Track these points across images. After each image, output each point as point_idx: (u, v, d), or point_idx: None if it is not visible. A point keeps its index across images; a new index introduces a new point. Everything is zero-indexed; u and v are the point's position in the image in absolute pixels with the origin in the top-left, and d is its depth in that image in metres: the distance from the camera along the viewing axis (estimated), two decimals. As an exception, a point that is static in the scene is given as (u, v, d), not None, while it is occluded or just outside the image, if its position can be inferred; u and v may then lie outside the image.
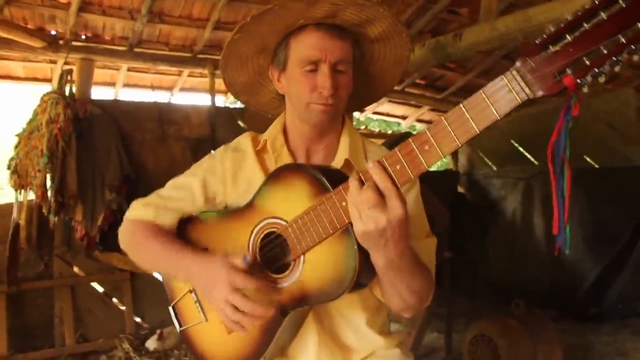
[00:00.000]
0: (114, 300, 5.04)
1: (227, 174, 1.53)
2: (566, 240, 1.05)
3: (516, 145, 6.95)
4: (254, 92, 1.64)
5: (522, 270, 6.17)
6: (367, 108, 7.38)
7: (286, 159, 1.50)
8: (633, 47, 0.85)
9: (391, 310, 1.41)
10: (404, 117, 8.04)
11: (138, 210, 1.56)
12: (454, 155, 7.71)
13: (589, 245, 5.79)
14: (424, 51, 4.25)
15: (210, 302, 1.34)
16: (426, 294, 1.33)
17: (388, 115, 8.03)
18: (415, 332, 3.81)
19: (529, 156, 6.82)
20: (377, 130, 10.79)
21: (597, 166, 6.28)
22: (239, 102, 1.71)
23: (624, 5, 0.84)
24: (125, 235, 1.58)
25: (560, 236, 1.05)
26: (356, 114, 7.58)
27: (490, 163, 7.33)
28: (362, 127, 8.64)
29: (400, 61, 1.54)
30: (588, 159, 6.33)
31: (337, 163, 1.46)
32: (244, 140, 1.59)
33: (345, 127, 1.52)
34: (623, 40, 0.85)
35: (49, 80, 5.50)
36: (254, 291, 1.30)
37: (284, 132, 1.54)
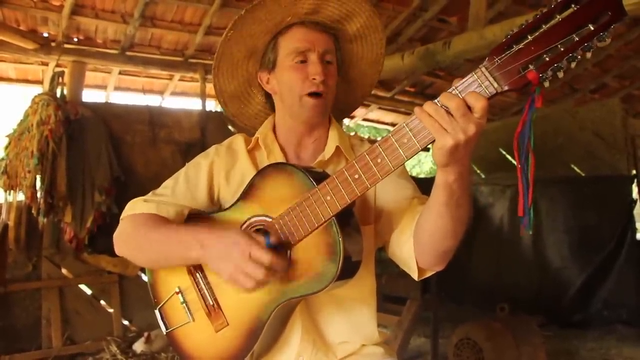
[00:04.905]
0: (102, 302, 5.03)
1: (221, 172, 1.57)
2: (529, 221, 1.13)
3: (504, 152, 7.02)
4: (243, 102, 1.71)
5: (509, 276, 6.22)
6: (357, 114, 7.45)
7: (277, 154, 1.55)
8: (586, 45, 0.96)
9: (422, 263, 1.35)
10: (393, 124, 8.09)
11: (138, 207, 1.51)
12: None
13: (574, 252, 5.87)
14: (413, 59, 4.31)
15: (220, 272, 1.28)
16: (466, 227, 1.25)
17: (378, 122, 8.09)
18: (402, 335, 3.83)
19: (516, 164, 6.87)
20: (367, 136, 10.86)
21: (583, 174, 6.37)
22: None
23: (576, 9, 0.96)
24: (123, 232, 1.51)
25: (525, 218, 1.13)
26: (346, 121, 7.64)
27: (478, 170, 7.39)
28: (352, 133, 8.68)
29: (376, 62, 1.65)
30: (574, 167, 6.41)
31: (329, 151, 1.54)
32: (237, 140, 1.64)
33: (332, 123, 1.61)
34: (577, 38, 0.96)
35: (41, 82, 5.51)
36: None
37: (274, 131, 1.61)
